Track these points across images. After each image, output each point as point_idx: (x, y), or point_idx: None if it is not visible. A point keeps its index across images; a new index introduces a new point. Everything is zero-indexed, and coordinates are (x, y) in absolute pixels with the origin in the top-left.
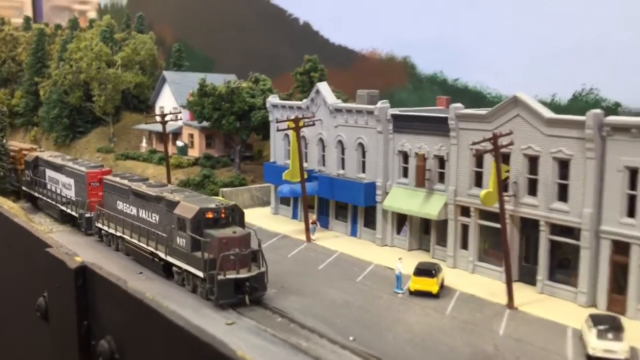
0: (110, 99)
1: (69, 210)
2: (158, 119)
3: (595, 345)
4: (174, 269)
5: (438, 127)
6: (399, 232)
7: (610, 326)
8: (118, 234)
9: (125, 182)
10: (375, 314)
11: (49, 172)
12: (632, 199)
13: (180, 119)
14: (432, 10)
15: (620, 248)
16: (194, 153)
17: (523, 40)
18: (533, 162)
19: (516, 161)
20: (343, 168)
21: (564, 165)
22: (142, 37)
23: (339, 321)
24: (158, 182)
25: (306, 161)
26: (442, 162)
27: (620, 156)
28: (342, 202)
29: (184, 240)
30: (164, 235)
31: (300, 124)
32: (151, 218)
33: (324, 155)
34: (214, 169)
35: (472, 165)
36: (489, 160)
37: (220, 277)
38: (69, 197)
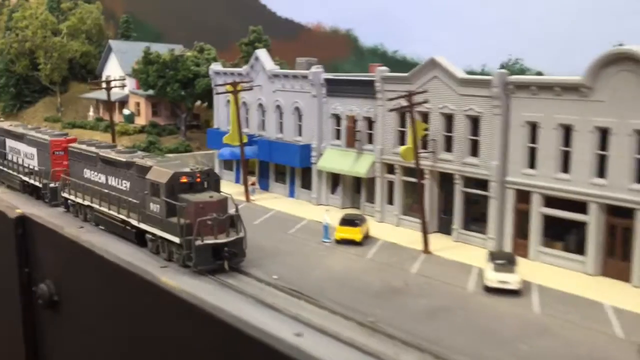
0: (56, 67)
1: (31, 181)
2: (104, 85)
3: (491, 277)
4: (148, 236)
5: (366, 90)
6: (333, 192)
7: (505, 261)
8: (86, 203)
9: (93, 149)
10: (300, 259)
11: (10, 142)
12: (532, 151)
13: (125, 87)
14: None
15: (523, 197)
16: (140, 121)
17: (455, 15)
18: (449, 120)
19: (434, 120)
20: (281, 132)
21: (475, 122)
22: (88, 6)
23: (266, 263)
24: (128, 147)
25: (247, 126)
26: (370, 123)
27: (522, 112)
28: (281, 165)
29: (157, 206)
30: (136, 202)
31: (238, 88)
32: (121, 185)
33: (263, 120)
34: (160, 137)
35: (397, 125)
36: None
37: (198, 242)
38: (31, 167)
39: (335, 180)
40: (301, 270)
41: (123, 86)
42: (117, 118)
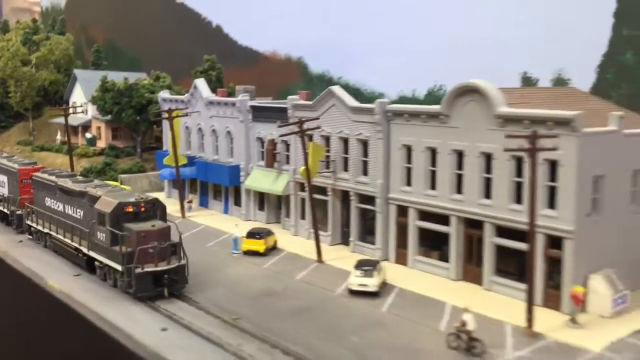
0: (26, 95)
1: (0, 207)
2: (62, 112)
3: (353, 281)
4: (96, 263)
5: (282, 115)
6: (260, 208)
7: (369, 267)
8: (45, 230)
9: (53, 178)
10: (205, 267)
11: None
12: (408, 171)
13: (84, 112)
14: (323, 17)
15: (402, 211)
16: (101, 144)
17: (392, 45)
18: (345, 143)
19: (334, 143)
20: (217, 153)
21: (365, 145)
22: (58, 38)
23: None
24: (85, 178)
25: (190, 148)
26: (287, 146)
27: (399, 136)
28: (218, 184)
29: (104, 234)
30: (86, 230)
31: (173, 114)
32: (76, 214)
33: (202, 143)
34: (118, 158)
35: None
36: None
37: (138, 270)
38: (1, 194)
39: (261, 197)
40: (199, 276)
41: (84, 112)
42: (81, 141)
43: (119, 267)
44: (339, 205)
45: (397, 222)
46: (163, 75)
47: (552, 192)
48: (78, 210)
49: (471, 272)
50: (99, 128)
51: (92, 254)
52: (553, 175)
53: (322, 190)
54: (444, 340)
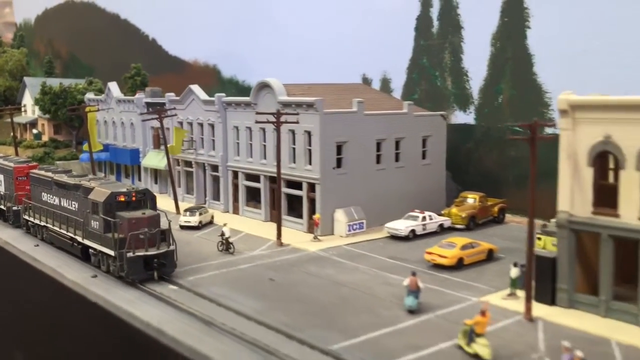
0: None
1: None
2: (17, 111)
3: (181, 219)
4: (90, 251)
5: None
6: (156, 182)
7: (195, 210)
8: (42, 223)
9: (49, 174)
10: None
11: None
12: (238, 145)
13: (33, 112)
14: (233, 29)
15: (235, 175)
16: (45, 138)
17: (282, 51)
18: (201, 127)
19: (195, 127)
20: (125, 141)
21: (212, 128)
22: (13, 51)
23: None
24: (81, 172)
25: (107, 138)
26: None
27: (231, 120)
28: (126, 164)
29: (97, 222)
30: (80, 220)
31: (88, 109)
32: (71, 206)
33: (115, 133)
34: (57, 149)
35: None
36: (182, 127)
37: (130, 254)
38: None
39: (155, 173)
40: None
41: (25, 111)
42: (29, 136)
43: (112, 253)
44: (201, 174)
45: (232, 184)
46: (96, 80)
47: (310, 153)
48: (73, 202)
49: (274, 215)
50: (43, 125)
51: (86, 242)
52: (310, 142)
53: (190, 164)
54: (216, 247)
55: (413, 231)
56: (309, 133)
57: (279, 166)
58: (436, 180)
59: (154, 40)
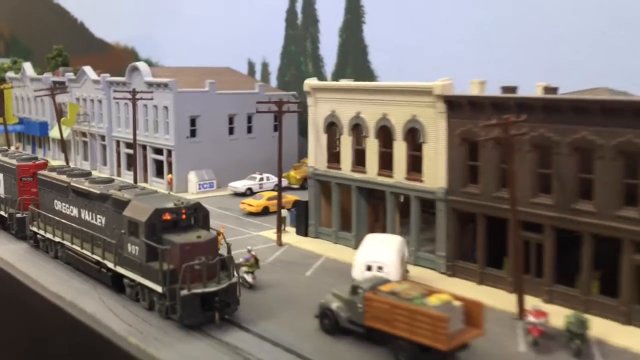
0: None
1: None
2: None
3: None
4: (126, 281)
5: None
6: (63, 151)
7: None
8: (56, 239)
9: (64, 177)
10: None
11: None
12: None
13: None
14: (150, 13)
15: (118, 144)
16: None
17: (191, 36)
18: (92, 102)
19: (89, 104)
20: (37, 115)
21: (100, 103)
22: None
23: None
24: (104, 177)
25: (25, 112)
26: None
27: (115, 96)
28: (38, 135)
29: (136, 247)
30: (112, 241)
31: (3, 87)
32: (96, 220)
33: (30, 108)
34: None
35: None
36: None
37: (184, 292)
38: None
39: (63, 142)
40: None
41: None
42: None
43: (158, 288)
44: (94, 143)
45: (116, 151)
46: (20, 60)
47: (158, 125)
48: (98, 216)
49: (145, 176)
50: None
51: (120, 269)
52: (168, 115)
53: (85, 135)
54: None
55: (250, 189)
56: (166, 108)
57: (134, 135)
58: (286, 149)
59: (82, 23)
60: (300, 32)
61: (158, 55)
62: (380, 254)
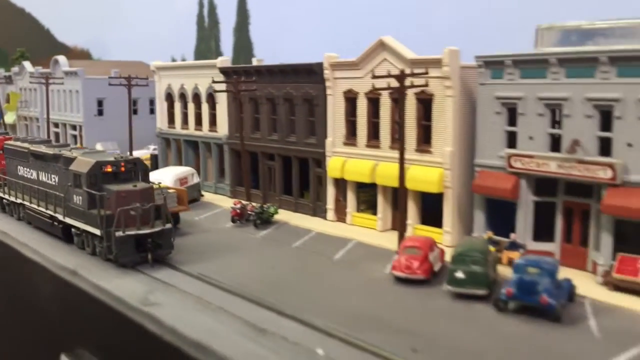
0: None
1: None
2: None
3: None
4: (73, 230)
5: (13, 78)
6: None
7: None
8: (19, 201)
9: (25, 144)
10: None
11: None
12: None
13: None
14: (102, 17)
15: (51, 125)
16: None
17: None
18: (31, 92)
19: (28, 92)
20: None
21: (36, 92)
22: None
23: None
24: (60, 143)
25: None
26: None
27: (68, 81)
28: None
29: (80, 197)
30: (61, 195)
31: None
32: (51, 180)
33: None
34: None
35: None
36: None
37: (119, 233)
38: None
39: (13, 126)
40: None
41: None
42: None
43: (97, 232)
44: (33, 126)
45: (50, 131)
46: None
47: (72, 106)
48: (52, 175)
49: None
50: None
51: (68, 220)
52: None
53: (26, 118)
54: None
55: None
56: (77, 92)
57: (47, 113)
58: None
59: (48, 30)
60: (207, 32)
61: (107, 55)
62: (163, 174)
